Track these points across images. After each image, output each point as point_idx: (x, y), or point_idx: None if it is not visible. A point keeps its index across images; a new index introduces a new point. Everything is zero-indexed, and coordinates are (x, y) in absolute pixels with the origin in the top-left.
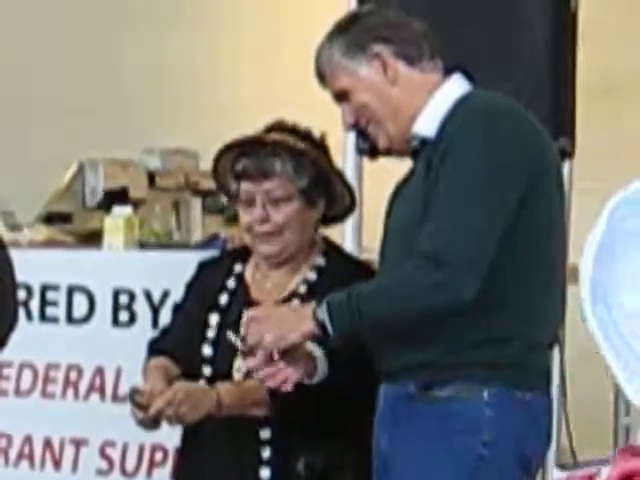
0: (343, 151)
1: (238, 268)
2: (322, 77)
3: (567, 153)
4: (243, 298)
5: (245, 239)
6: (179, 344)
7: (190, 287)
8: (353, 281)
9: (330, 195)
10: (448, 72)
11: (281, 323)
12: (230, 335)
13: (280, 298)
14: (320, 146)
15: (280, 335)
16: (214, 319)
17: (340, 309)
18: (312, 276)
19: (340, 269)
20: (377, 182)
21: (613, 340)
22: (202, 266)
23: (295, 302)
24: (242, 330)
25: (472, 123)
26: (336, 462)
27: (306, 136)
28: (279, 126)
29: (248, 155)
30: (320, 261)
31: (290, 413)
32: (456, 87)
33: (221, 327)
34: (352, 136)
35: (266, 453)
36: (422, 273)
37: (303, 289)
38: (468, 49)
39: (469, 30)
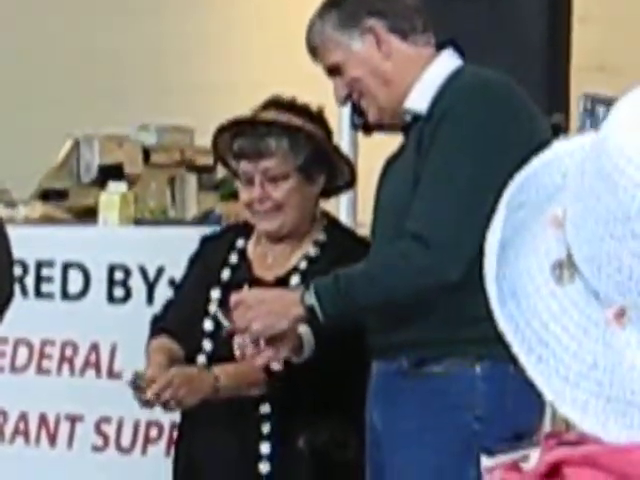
0: (338, 127)
1: (240, 243)
2: (314, 51)
3: (561, 128)
4: (245, 274)
5: (246, 215)
6: (181, 321)
7: (193, 262)
8: (353, 256)
9: (330, 169)
10: (440, 47)
11: (269, 311)
12: (219, 313)
13: (282, 274)
14: (318, 120)
15: (269, 323)
16: (216, 294)
17: (329, 294)
18: (313, 251)
19: (340, 244)
20: (372, 157)
21: (524, 334)
22: (204, 241)
23: (294, 280)
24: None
25: (463, 101)
26: (337, 439)
27: (303, 111)
28: (276, 102)
29: (243, 135)
30: (321, 236)
31: (285, 392)
32: (448, 62)
33: (222, 302)
34: (347, 112)
35: (266, 428)
36: (409, 256)
37: (304, 264)
38: (463, 25)
39: (464, 7)
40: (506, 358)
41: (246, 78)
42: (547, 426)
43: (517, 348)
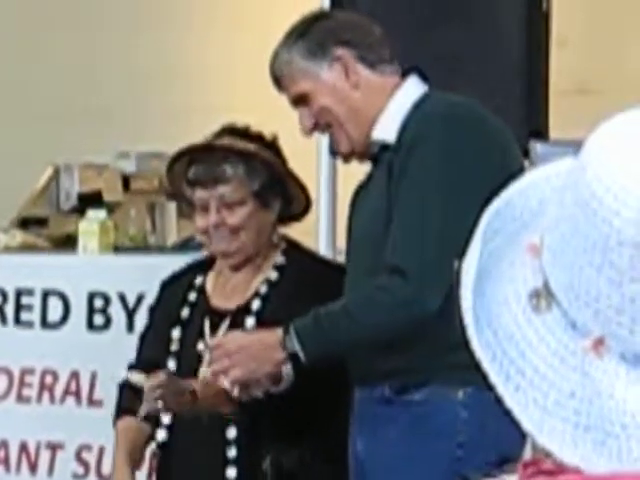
0: (317, 153)
1: (199, 280)
2: (279, 81)
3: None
4: (203, 307)
5: (203, 242)
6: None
7: (153, 310)
8: (313, 277)
9: (285, 195)
10: (403, 75)
11: (251, 356)
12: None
13: (243, 301)
14: (272, 147)
15: (250, 371)
16: (176, 333)
17: (311, 337)
18: (273, 275)
19: (300, 266)
20: (351, 184)
21: (501, 363)
22: (164, 285)
23: (255, 305)
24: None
25: (432, 130)
26: (303, 461)
27: (257, 138)
28: (230, 129)
29: (199, 162)
30: (280, 260)
31: (257, 413)
32: (413, 89)
33: (183, 340)
34: (326, 138)
35: (232, 452)
36: (389, 290)
37: (264, 289)
38: (441, 52)
39: (441, 32)
40: (488, 384)
41: (227, 105)
42: (528, 453)
43: (494, 377)
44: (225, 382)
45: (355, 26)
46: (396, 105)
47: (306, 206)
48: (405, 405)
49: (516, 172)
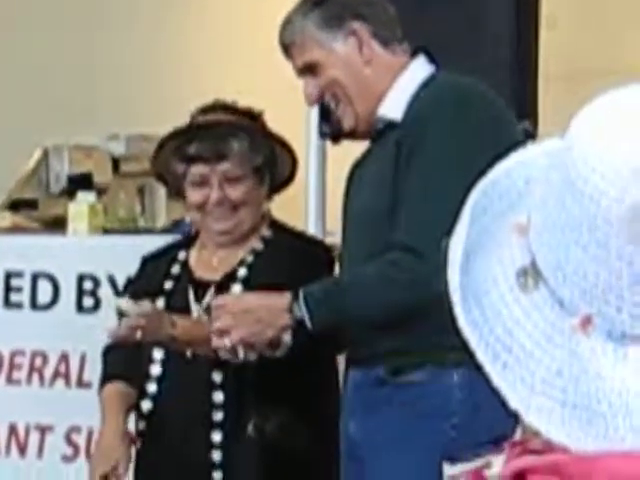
0: (306, 135)
1: (182, 255)
2: (289, 47)
3: (530, 135)
4: (187, 279)
5: (194, 217)
6: (130, 360)
7: (133, 282)
8: (298, 250)
9: (274, 167)
10: (412, 54)
11: (256, 319)
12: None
13: (229, 270)
14: (260, 123)
15: (255, 332)
16: (160, 303)
17: (320, 306)
18: (259, 246)
19: (286, 239)
20: (341, 166)
21: (488, 341)
22: (145, 260)
23: (241, 272)
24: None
25: (442, 110)
26: (286, 427)
27: (246, 113)
28: (220, 105)
29: (201, 138)
30: (267, 232)
31: (244, 378)
32: (420, 69)
33: (167, 310)
34: (315, 120)
35: (218, 416)
36: (402, 268)
37: (250, 258)
38: (433, 32)
39: (433, 13)
40: (476, 364)
41: (216, 88)
42: (518, 434)
43: (481, 356)
44: (226, 341)
45: (371, 2)
46: (404, 84)
47: (292, 169)
48: (400, 387)
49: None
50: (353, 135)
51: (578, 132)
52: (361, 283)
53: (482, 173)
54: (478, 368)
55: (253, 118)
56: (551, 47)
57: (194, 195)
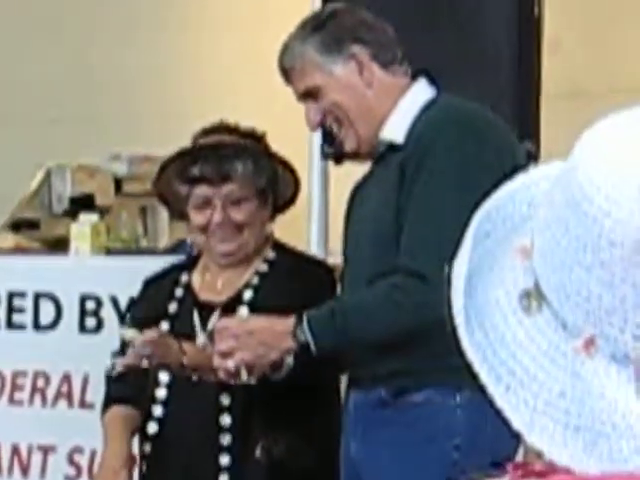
0: (309, 156)
1: (184, 278)
2: (289, 73)
3: (532, 156)
4: (191, 302)
5: (197, 240)
6: (134, 383)
7: (136, 304)
8: (302, 271)
9: (277, 188)
10: (413, 76)
11: (260, 342)
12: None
13: (233, 293)
14: (263, 145)
15: (257, 355)
16: (164, 327)
17: (324, 330)
18: (263, 268)
19: (289, 261)
20: (343, 187)
21: (492, 363)
22: (147, 283)
23: (247, 295)
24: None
25: (444, 133)
26: (293, 449)
27: (249, 135)
28: (222, 127)
29: (204, 159)
30: (271, 254)
31: (250, 401)
32: (422, 92)
33: (171, 334)
34: (318, 141)
35: (226, 439)
36: (407, 292)
37: (256, 280)
38: (433, 54)
39: (434, 35)
40: (479, 385)
41: (218, 108)
42: (520, 456)
43: (485, 378)
44: (229, 363)
45: (371, 25)
46: (406, 106)
47: (295, 190)
48: (402, 408)
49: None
50: (356, 156)
51: (583, 153)
52: (365, 307)
53: (485, 196)
54: (481, 389)
55: (256, 139)
56: (553, 68)
57: (197, 217)
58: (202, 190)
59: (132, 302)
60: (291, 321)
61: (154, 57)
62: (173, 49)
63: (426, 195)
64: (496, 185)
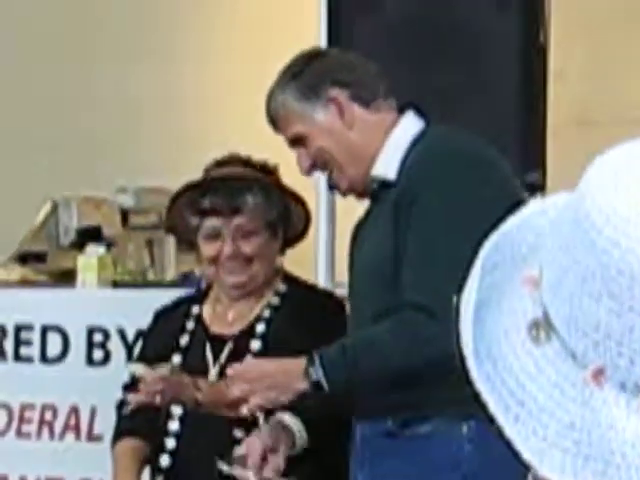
0: (316, 187)
1: (195, 310)
2: (275, 122)
3: (538, 187)
4: (203, 335)
5: (208, 272)
6: (145, 415)
7: (147, 337)
8: (313, 304)
9: (289, 221)
10: (400, 110)
11: (272, 385)
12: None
13: (245, 326)
14: (274, 177)
15: (270, 399)
16: (176, 359)
17: (335, 366)
18: (275, 300)
19: (301, 293)
20: (350, 218)
21: (501, 393)
22: (158, 315)
23: (259, 328)
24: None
25: (437, 166)
26: None
27: (261, 168)
28: (234, 159)
29: (215, 191)
30: (282, 287)
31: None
32: (411, 125)
33: (184, 367)
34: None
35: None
36: (416, 327)
37: (267, 313)
38: (437, 85)
39: (439, 65)
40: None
41: (224, 140)
42: None
43: (494, 408)
44: (244, 409)
45: (348, 65)
46: (395, 141)
47: (305, 223)
48: (409, 439)
49: (519, 204)
50: (354, 194)
51: (591, 182)
52: (377, 341)
53: (485, 226)
54: (491, 420)
55: (268, 172)
56: (559, 98)
57: (208, 248)
58: (212, 222)
59: (143, 335)
60: (303, 361)
61: (160, 89)
62: (179, 80)
63: (425, 232)
64: (494, 216)
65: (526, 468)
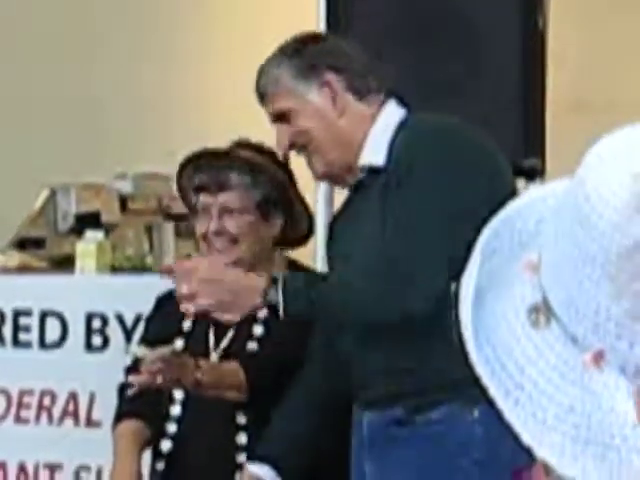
0: (315, 185)
1: None
2: (263, 96)
3: (538, 172)
4: (206, 321)
5: (201, 249)
6: (147, 398)
7: (149, 321)
8: None
9: (290, 214)
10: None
11: (225, 292)
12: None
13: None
14: (283, 166)
15: (220, 306)
16: (179, 344)
17: (296, 298)
18: None
19: None
20: None
21: (500, 377)
22: (160, 300)
23: (261, 313)
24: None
25: (422, 149)
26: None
27: (269, 154)
28: (243, 144)
29: (205, 168)
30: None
31: (268, 418)
32: (393, 113)
33: (186, 351)
34: None
35: (242, 458)
36: (378, 281)
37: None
38: (435, 72)
39: (436, 52)
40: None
41: (224, 127)
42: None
43: (494, 392)
44: (189, 307)
45: (346, 53)
46: (381, 128)
47: (307, 231)
48: (419, 425)
49: (506, 184)
50: (331, 181)
51: (590, 167)
52: (347, 287)
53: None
54: (491, 403)
55: (277, 160)
56: (558, 82)
57: (199, 225)
58: (203, 198)
59: (145, 319)
60: (265, 280)
61: (159, 74)
62: (179, 67)
63: (404, 206)
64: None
65: (528, 452)
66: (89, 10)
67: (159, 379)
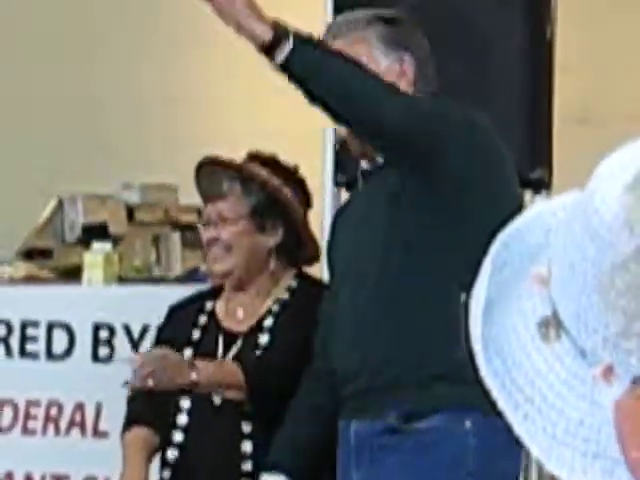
0: (322, 184)
1: (209, 306)
2: (336, 32)
3: (544, 184)
4: (215, 329)
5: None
6: (155, 405)
7: (161, 331)
8: (320, 300)
9: (288, 224)
10: None
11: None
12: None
13: (254, 321)
14: (294, 180)
15: (237, 18)
16: (187, 353)
17: (305, 51)
18: (284, 295)
19: (310, 289)
20: None
21: (510, 391)
22: (172, 310)
23: (267, 322)
24: None
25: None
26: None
27: (277, 167)
28: (253, 156)
29: (203, 177)
30: (293, 283)
31: (273, 427)
32: None
33: (195, 359)
34: (330, 169)
35: (247, 466)
36: (381, 88)
37: (276, 308)
38: (443, 80)
39: (444, 61)
40: (493, 410)
41: (231, 136)
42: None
43: (503, 405)
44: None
45: (426, 45)
46: None
47: (314, 254)
48: (411, 434)
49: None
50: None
51: (600, 180)
52: (351, 71)
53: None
54: (492, 414)
55: (286, 174)
56: (565, 93)
57: (202, 236)
58: (205, 207)
59: (157, 329)
60: (279, 23)
61: (165, 85)
62: (184, 76)
63: None
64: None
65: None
66: (89, 10)
67: (150, 382)
